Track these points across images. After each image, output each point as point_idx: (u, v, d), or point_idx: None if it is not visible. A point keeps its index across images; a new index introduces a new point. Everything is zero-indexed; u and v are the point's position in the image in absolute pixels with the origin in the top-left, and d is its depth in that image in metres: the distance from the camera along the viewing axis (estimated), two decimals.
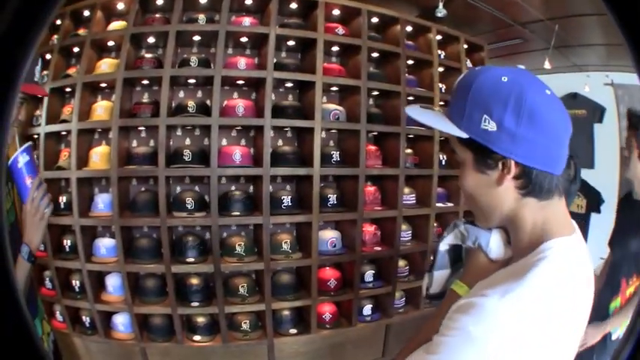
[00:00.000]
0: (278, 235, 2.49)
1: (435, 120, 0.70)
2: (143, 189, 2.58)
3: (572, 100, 3.48)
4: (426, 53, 2.72)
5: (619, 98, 3.20)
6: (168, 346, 2.41)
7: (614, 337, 1.51)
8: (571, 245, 0.65)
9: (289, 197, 2.44)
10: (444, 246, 0.83)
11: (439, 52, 2.78)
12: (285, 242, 2.45)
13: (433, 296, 0.86)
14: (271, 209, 2.37)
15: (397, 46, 2.58)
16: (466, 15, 2.86)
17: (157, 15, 2.54)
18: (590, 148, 3.34)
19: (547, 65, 2.95)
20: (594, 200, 3.36)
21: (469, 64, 2.87)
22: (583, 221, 3.39)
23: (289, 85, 2.58)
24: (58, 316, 2.56)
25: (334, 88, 2.59)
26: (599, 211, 3.33)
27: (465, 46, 2.86)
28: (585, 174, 3.42)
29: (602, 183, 3.25)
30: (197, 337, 2.43)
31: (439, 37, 2.80)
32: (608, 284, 1.57)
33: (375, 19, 2.65)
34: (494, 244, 0.75)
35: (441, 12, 2.41)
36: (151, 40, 2.53)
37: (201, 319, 2.46)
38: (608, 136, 3.40)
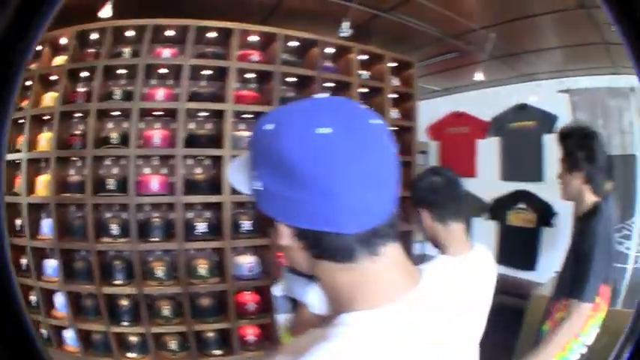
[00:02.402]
0: (196, 259, 2.56)
1: (234, 170, 0.60)
2: (79, 214, 2.74)
3: (521, 111, 3.28)
4: (347, 75, 2.68)
5: (575, 105, 2.97)
6: None
7: None
8: (379, 321, 0.51)
9: (205, 224, 2.51)
10: (276, 291, 0.80)
11: (363, 72, 2.73)
12: (202, 267, 2.52)
13: None
14: (187, 235, 2.45)
15: (313, 70, 2.57)
16: (396, 32, 2.78)
17: (90, 50, 2.70)
18: (539, 160, 3.15)
19: (480, 77, 2.80)
20: (544, 214, 3.16)
21: (396, 82, 2.79)
22: (533, 236, 3.22)
23: (205, 114, 2.64)
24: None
25: (249, 116, 2.62)
26: (550, 225, 3.13)
27: (395, 64, 2.79)
28: (535, 187, 3.24)
29: (556, 195, 3.04)
30: (131, 355, 2.56)
31: (365, 57, 2.75)
32: (547, 304, 1.52)
33: (294, 43, 2.65)
34: (314, 298, 0.67)
35: (344, 31, 2.33)
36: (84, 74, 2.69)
37: (133, 338, 2.58)
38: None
